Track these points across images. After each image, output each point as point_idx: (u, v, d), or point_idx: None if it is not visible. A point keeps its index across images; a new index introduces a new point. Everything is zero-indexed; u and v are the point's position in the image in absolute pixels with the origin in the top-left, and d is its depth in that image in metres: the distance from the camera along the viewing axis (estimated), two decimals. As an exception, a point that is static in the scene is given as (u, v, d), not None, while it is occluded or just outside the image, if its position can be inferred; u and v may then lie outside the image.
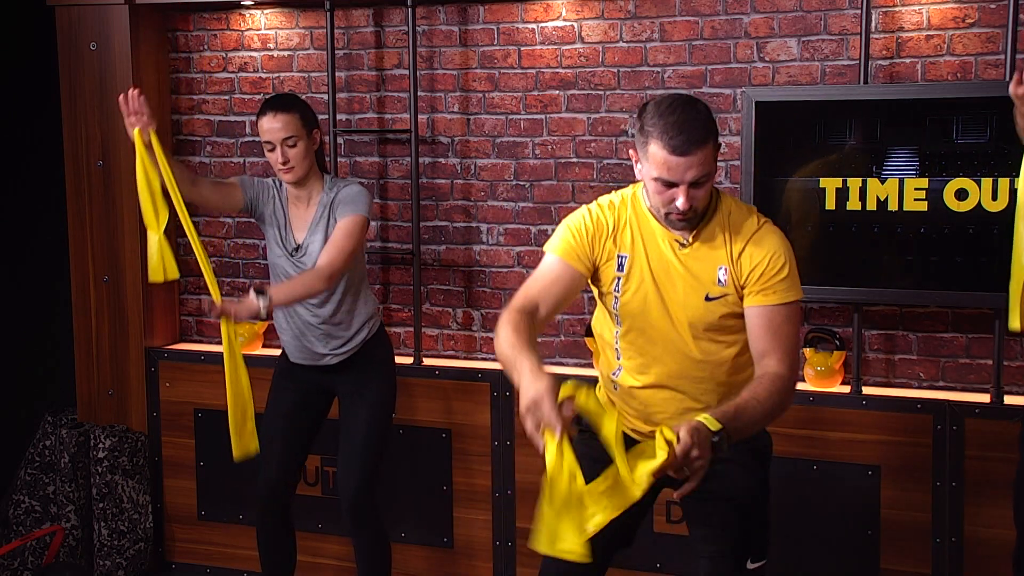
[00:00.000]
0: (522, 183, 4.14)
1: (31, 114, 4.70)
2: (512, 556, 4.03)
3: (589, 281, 2.63)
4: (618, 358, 2.66)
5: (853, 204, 3.55)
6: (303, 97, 4.29)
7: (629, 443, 2.40)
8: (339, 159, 4.29)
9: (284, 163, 3.35)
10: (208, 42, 4.50)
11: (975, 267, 3.45)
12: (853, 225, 3.56)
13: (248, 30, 4.44)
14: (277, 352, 3.77)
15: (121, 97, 3.19)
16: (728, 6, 3.83)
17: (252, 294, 3.19)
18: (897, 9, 3.67)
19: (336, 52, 4.25)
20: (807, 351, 3.77)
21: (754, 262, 2.50)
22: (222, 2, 4.35)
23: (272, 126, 3.34)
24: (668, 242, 2.55)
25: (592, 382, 2.63)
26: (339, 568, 4.25)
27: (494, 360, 4.22)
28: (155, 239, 3.26)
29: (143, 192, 3.23)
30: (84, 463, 4.33)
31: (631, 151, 2.53)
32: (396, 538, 3.94)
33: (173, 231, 4.57)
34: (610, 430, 2.21)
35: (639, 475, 2.20)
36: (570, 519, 2.21)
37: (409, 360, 4.18)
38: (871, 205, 3.54)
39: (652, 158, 2.43)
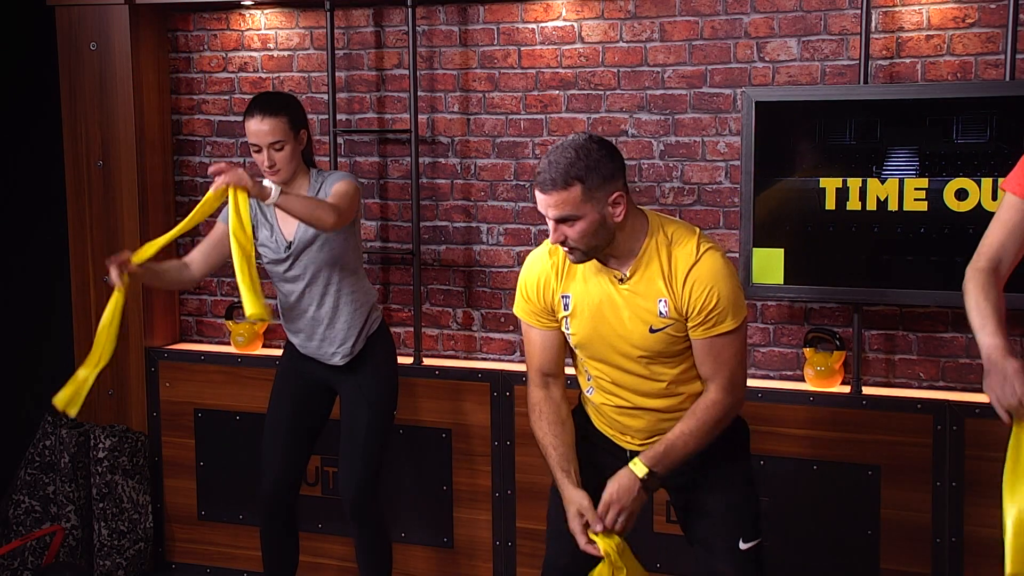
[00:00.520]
0: (522, 183, 4.14)
1: (31, 114, 4.70)
2: (512, 556, 4.03)
3: None
4: (588, 379, 2.78)
5: (853, 204, 3.55)
6: (302, 97, 4.30)
7: (612, 445, 2.78)
8: (339, 159, 4.29)
9: (271, 166, 3.34)
10: (208, 42, 4.50)
11: (975, 267, 3.45)
12: (853, 225, 3.56)
13: (248, 30, 4.44)
14: (278, 352, 3.77)
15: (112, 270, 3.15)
16: (728, 6, 3.83)
17: (267, 182, 3.19)
18: (897, 9, 3.67)
19: (336, 52, 4.25)
20: (807, 351, 3.77)
21: (693, 297, 2.56)
22: (222, 2, 4.35)
23: (259, 129, 3.31)
24: (608, 278, 2.63)
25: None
26: (340, 568, 4.25)
27: (494, 360, 4.23)
28: (84, 375, 3.15)
29: (102, 329, 3.16)
30: (84, 463, 4.33)
31: None
32: (396, 538, 3.94)
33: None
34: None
35: None
36: None
37: (409, 360, 4.18)
38: (871, 205, 3.54)
39: None
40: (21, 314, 4.80)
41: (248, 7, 4.40)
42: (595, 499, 2.63)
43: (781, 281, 3.65)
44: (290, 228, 3.43)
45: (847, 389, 3.73)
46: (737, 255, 3.73)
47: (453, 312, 4.29)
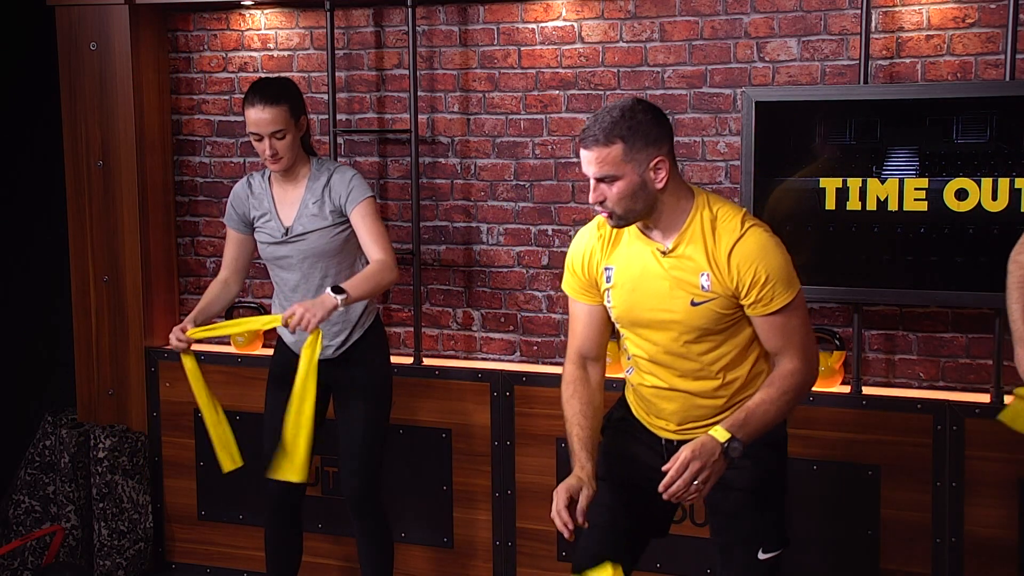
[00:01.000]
0: (522, 183, 4.14)
1: (31, 114, 4.70)
2: (512, 556, 4.03)
3: None
4: (628, 358, 2.77)
5: (853, 204, 3.55)
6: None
7: (649, 435, 2.74)
8: (339, 159, 4.29)
9: (272, 155, 3.32)
10: (208, 42, 4.50)
11: (975, 267, 3.45)
12: (853, 225, 3.56)
13: (248, 30, 4.44)
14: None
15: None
16: (728, 6, 3.83)
17: (328, 291, 3.15)
18: (897, 9, 3.67)
19: (336, 52, 4.25)
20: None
21: (741, 274, 2.55)
22: (222, 2, 4.35)
23: (261, 118, 3.27)
24: (651, 250, 2.62)
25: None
26: (340, 568, 4.25)
27: (494, 360, 4.23)
28: (219, 430, 3.34)
29: (198, 394, 3.36)
30: (84, 463, 4.33)
31: None
32: (396, 538, 3.94)
33: (172, 230, 4.58)
34: None
35: None
36: None
37: (409, 360, 4.18)
38: (871, 205, 3.54)
39: None
40: (21, 314, 4.81)
41: (248, 7, 4.40)
42: (628, 491, 2.66)
43: (781, 281, 3.64)
44: (288, 213, 3.43)
45: (847, 389, 3.73)
46: (737, 255, 3.73)
47: (453, 312, 4.29)
